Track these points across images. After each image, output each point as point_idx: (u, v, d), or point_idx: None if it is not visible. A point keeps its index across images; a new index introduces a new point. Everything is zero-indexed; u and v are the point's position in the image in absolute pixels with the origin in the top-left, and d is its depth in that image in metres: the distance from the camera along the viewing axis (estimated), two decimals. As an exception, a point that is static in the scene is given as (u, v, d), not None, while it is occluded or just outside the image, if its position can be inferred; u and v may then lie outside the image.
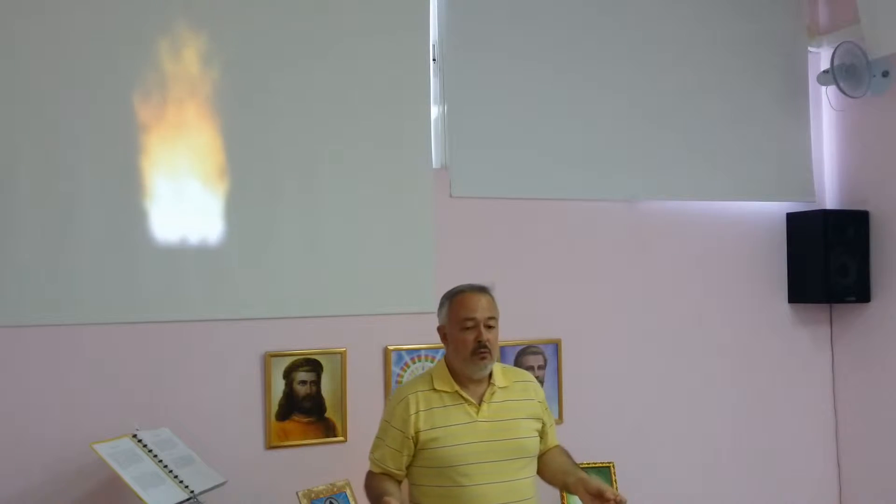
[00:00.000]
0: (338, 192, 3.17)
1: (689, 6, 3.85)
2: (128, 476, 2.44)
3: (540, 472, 2.66)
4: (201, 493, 2.61)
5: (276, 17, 3.12)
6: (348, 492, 2.96)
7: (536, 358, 3.48)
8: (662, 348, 3.76)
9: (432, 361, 3.32)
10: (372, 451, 2.62)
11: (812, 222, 3.92)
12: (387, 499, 2.32)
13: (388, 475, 2.58)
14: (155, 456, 2.62)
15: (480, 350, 2.48)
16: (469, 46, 3.42)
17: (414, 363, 3.30)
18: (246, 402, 3.06)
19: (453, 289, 2.62)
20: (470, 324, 2.50)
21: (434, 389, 2.54)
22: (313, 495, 2.87)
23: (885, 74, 3.78)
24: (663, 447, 3.72)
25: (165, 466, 2.60)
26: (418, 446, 2.51)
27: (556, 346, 3.52)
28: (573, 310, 3.57)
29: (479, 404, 2.53)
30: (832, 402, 4.11)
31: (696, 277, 3.84)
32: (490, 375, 2.57)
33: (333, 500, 2.92)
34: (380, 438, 2.60)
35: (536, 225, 3.55)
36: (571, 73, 3.59)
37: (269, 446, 3.08)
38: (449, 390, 2.53)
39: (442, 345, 2.62)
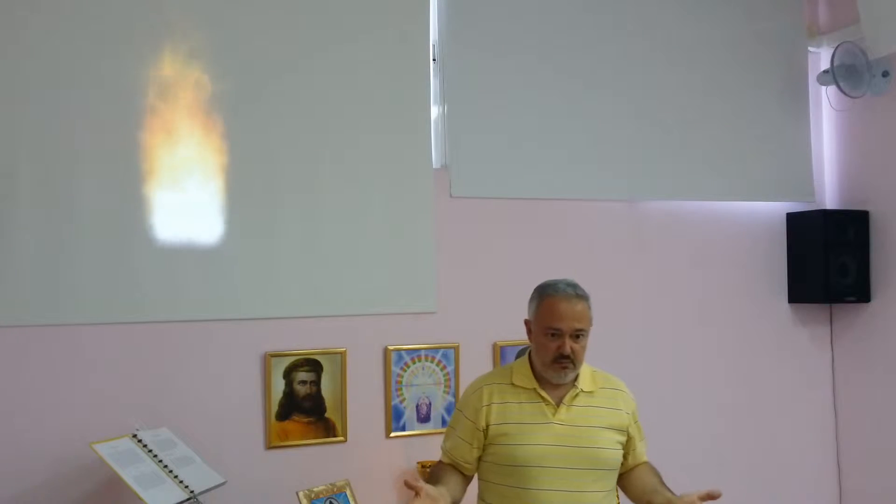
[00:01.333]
0: (338, 191, 3.17)
1: (688, 6, 3.85)
2: (128, 476, 2.44)
3: (625, 490, 2.53)
4: (201, 493, 2.61)
5: (276, 17, 3.12)
6: (348, 492, 2.96)
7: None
8: (662, 348, 3.76)
9: (432, 361, 3.33)
10: (444, 441, 2.51)
11: (812, 222, 3.92)
12: (409, 481, 2.18)
13: (455, 467, 2.47)
14: (155, 456, 2.62)
15: (561, 360, 2.35)
16: (469, 46, 3.42)
17: (414, 363, 3.30)
18: (246, 402, 3.06)
19: (547, 284, 2.47)
20: (555, 332, 2.36)
21: (512, 384, 2.43)
22: (313, 495, 2.87)
23: (885, 74, 3.78)
24: (663, 447, 3.70)
25: (165, 466, 2.60)
26: (488, 440, 2.39)
27: (556, 346, 3.51)
28: (573, 310, 3.57)
29: (558, 406, 2.39)
30: (832, 402, 4.11)
31: (696, 277, 3.84)
32: (575, 378, 2.43)
33: (333, 500, 2.92)
34: (451, 428, 2.49)
35: (536, 225, 3.54)
36: (571, 74, 3.59)
37: (269, 446, 3.08)
38: (528, 387, 2.41)
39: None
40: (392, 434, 3.26)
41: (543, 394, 2.41)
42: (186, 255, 2.96)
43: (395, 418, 3.27)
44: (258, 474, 3.03)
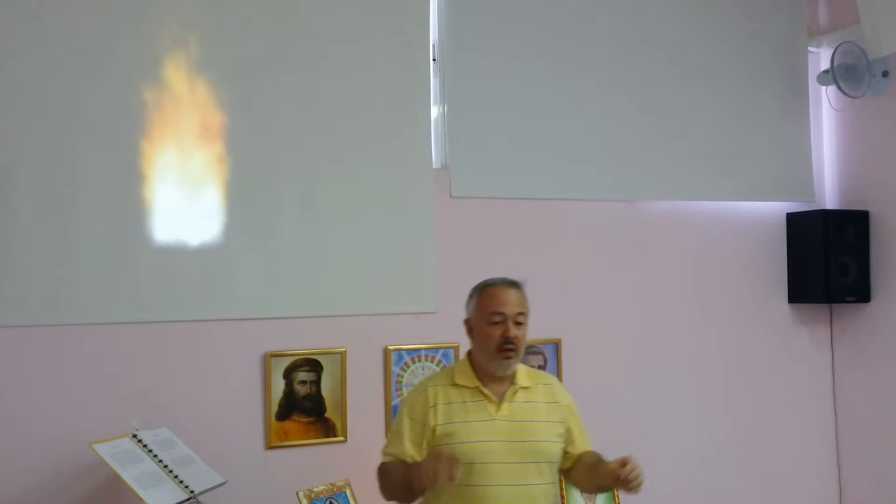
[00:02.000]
0: (338, 191, 3.17)
1: (688, 6, 3.85)
2: (128, 476, 2.44)
3: (573, 481, 2.57)
4: (201, 493, 2.61)
5: (276, 17, 3.12)
6: (348, 492, 2.96)
7: (536, 358, 3.48)
8: (662, 348, 3.76)
9: (432, 361, 3.33)
10: (387, 447, 2.50)
11: (812, 222, 3.92)
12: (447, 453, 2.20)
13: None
14: (155, 456, 2.61)
15: (506, 346, 2.38)
16: (469, 46, 3.42)
17: (414, 363, 3.30)
18: (246, 402, 3.06)
19: (483, 281, 2.52)
20: (498, 318, 2.40)
21: (455, 384, 2.45)
22: (313, 495, 2.87)
23: (885, 74, 3.78)
24: (663, 447, 3.71)
25: (165, 466, 2.60)
26: (435, 440, 2.40)
27: (556, 346, 3.52)
28: (573, 310, 3.57)
29: (500, 402, 2.43)
30: (832, 402, 4.11)
31: (696, 277, 3.84)
32: (514, 375, 2.47)
33: (333, 500, 2.92)
34: (397, 433, 2.49)
35: (536, 225, 3.54)
36: (571, 73, 3.59)
37: (269, 446, 3.08)
38: (470, 386, 2.44)
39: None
40: (392, 434, 3.26)
41: (486, 391, 2.44)
42: (186, 255, 2.96)
43: (395, 418, 3.26)
44: (258, 474, 3.03)
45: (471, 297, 2.52)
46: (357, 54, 3.22)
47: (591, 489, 2.55)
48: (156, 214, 2.93)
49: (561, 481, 2.75)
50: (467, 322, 2.53)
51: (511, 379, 2.47)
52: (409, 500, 2.43)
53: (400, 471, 2.39)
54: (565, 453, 2.51)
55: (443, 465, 2.18)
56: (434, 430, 2.41)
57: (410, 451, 2.42)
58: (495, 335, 2.40)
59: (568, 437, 2.51)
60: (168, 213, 2.94)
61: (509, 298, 2.43)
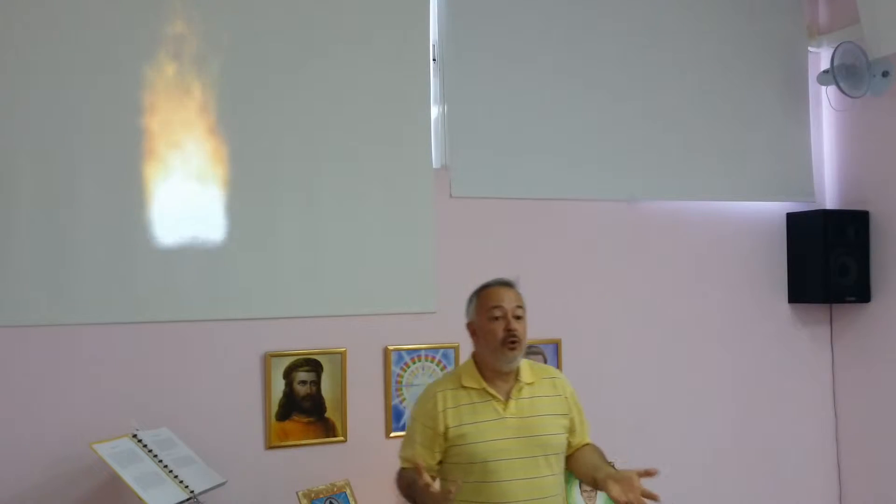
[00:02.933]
0: (338, 191, 3.17)
1: (688, 7, 3.85)
2: (128, 476, 2.44)
3: (572, 470, 2.64)
4: (201, 493, 2.61)
5: (276, 16, 3.12)
6: (348, 492, 2.96)
7: (536, 358, 3.48)
8: (662, 348, 3.76)
9: (432, 361, 3.33)
10: (402, 450, 2.58)
11: (812, 222, 3.92)
12: (424, 480, 2.27)
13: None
14: (155, 456, 2.61)
15: (510, 339, 2.47)
16: (469, 46, 3.42)
17: (414, 363, 3.30)
18: (246, 402, 3.06)
19: (480, 285, 2.63)
20: (498, 313, 2.50)
21: (462, 387, 2.54)
22: (313, 495, 2.87)
23: (885, 74, 3.78)
24: (663, 447, 3.71)
25: (165, 466, 2.60)
26: (448, 443, 2.49)
27: (557, 346, 3.52)
28: (573, 310, 3.57)
29: (507, 401, 2.51)
30: (832, 402, 4.11)
31: (696, 277, 3.84)
32: (517, 372, 2.56)
33: (333, 500, 2.92)
34: (409, 437, 2.58)
35: (536, 225, 3.54)
36: (571, 74, 3.59)
37: (269, 446, 3.08)
38: (476, 387, 2.53)
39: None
40: (392, 434, 3.26)
41: (492, 391, 2.52)
42: (187, 255, 2.96)
43: (395, 418, 3.27)
44: (258, 474, 3.03)
45: (469, 301, 2.62)
46: (357, 54, 3.22)
47: (586, 482, 2.64)
48: (156, 214, 2.93)
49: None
50: (470, 325, 2.61)
51: (515, 376, 2.55)
52: None
53: (409, 480, 2.45)
54: (568, 442, 2.61)
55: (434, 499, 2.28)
56: (445, 434, 2.49)
57: (423, 454, 2.50)
58: (498, 330, 2.49)
59: (570, 427, 2.61)
60: (168, 214, 2.94)
61: (506, 295, 2.55)
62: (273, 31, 3.11)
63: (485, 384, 2.53)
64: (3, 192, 2.75)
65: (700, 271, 3.86)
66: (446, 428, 2.48)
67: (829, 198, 4.14)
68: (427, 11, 3.37)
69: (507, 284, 2.60)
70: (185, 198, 2.97)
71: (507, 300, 2.53)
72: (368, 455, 3.20)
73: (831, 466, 4.09)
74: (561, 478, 2.58)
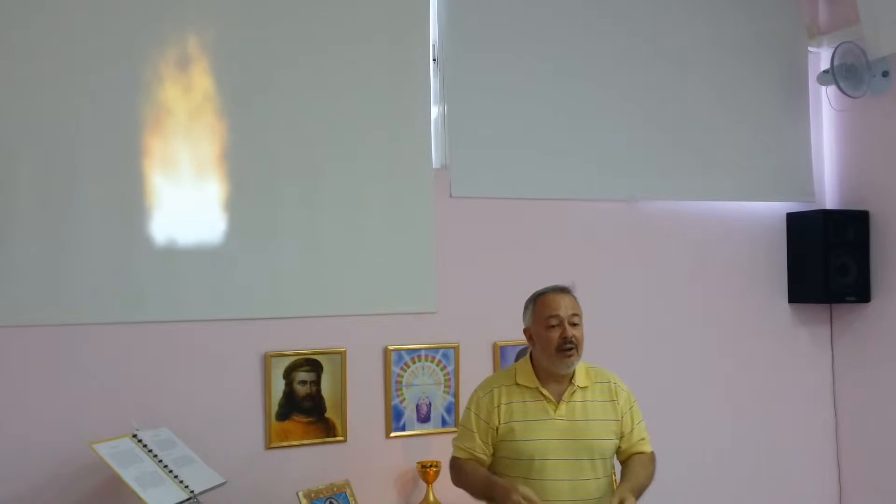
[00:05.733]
0: (338, 191, 3.17)
1: (688, 6, 3.85)
2: (128, 476, 2.44)
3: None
4: (201, 493, 2.61)
5: (276, 17, 3.12)
6: (348, 492, 2.96)
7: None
8: (662, 348, 3.76)
9: (432, 361, 3.33)
10: (459, 440, 2.67)
11: (812, 222, 3.92)
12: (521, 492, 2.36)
13: (475, 460, 2.64)
14: (155, 456, 2.62)
15: (566, 346, 2.53)
16: (469, 46, 3.42)
17: (414, 363, 3.30)
18: (246, 402, 3.06)
19: (537, 291, 2.68)
20: (554, 321, 2.56)
21: (517, 384, 2.62)
22: (313, 495, 2.87)
23: (885, 74, 3.78)
24: (663, 447, 3.70)
25: (165, 466, 2.60)
26: (499, 437, 2.59)
27: (556, 346, 3.51)
28: (573, 310, 3.57)
29: (558, 402, 2.58)
30: (832, 402, 4.11)
31: (696, 277, 3.84)
32: (572, 375, 2.62)
33: (333, 500, 2.92)
34: (466, 428, 2.66)
35: (536, 225, 3.54)
36: (571, 74, 3.59)
37: (269, 446, 3.08)
38: (530, 386, 2.60)
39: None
40: (392, 434, 3.26)
41: (545, 392, 2.60)
42: (187, 255, 2.96)
43: (395, 418, 3.27)
44: (258, 474, 3.03)
45: (526, 307, 2.69)
46: (357, 54, 3.22)
47: None
48: (156, 214, 2.93)
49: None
50: (527, 331, 2.68)
51: (570, 379, 2.62)
52: (484, 500, 2.61)
53: (481, 476, 2.56)
54: (619, 445, 2.65)
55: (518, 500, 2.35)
56: (497, 429, 2.59)
57: (481, 446, 2.61)
58: (554, 337, 2.56)
59: (622, 428, 2.65)
60: (168, 213, 2.94)
61: (562, 302, 2.61)
62: (273, 31, 3.11)
63: (538, 384, 2.60)
64: (3, 192, 2.75)
65: (700, 271, 3.85)
66: (499, 423, 2.58)
67: (829, 198, 4.14)
68: (427, 11, 3.37)
69: (563, 290, 2.65)
70: (186, 198, 2.97)
71: (564, 308, 2.58)
72: (368, 455, 3.20)
73: (831, 466, 4.09)
74: (607, 481, 2.63)
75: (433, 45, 3.40)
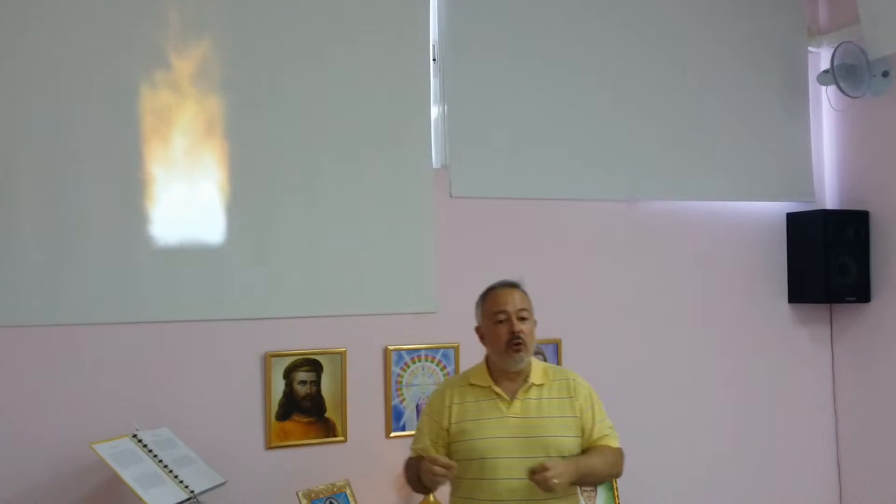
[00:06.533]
0: (338, 191, 3.17)
1: (689, 6, 3.85)
2: (128, 476, 2.44)
3: None
4: (201, 493, 2.61)
5: (276, 17, 3.12)
6: (348, 492, 2.96)
7: (537, 358, 3.46)
8: (662, 348, 3.76)
9: (432, 361, 3.33)
10: (413, 443, 2.66)
11: (812, 222, 3.92)
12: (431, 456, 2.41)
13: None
14: (155, 456, 2.62)
15: (515, 342, 2.50)
16: (469, 46, 3.42)
17: (414, 363, 3.30)
18: (246, 402, 3.06)
19: (485, 288, 2.65)
20: (502, 317, 2.53)
21: (470, 384, 2.59)
22: (313, 495, 2.87)
23: (885, 74, 3.78)
24: (663, 447, 3.72)
25: (165, 466, 2.60)
26: (450, 438, 2.55)
27: (557, 346, 3.52)
28: (573, 310, 3.57)
29: (512, 400, 2.54)
30: (832, 402, 4.11)
31: (696, 277, 3.84)
32: (527, 373, 2.58)
33: (333, 500, 2.92)
34: (420, 430, 2.66)
35: (536, 225, 3.54)
36: (571, 73, 3.59)
37: (269, 446, 3.08)
38: (483, 385, 2.57)
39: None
40: (392, 434, 3.26)
41: (498, 390, 2.56)
42: (186, 255, 2.96)
43: (395, 418, 3.27)
44: (258, 474, 3.03)
45: (476, 305, 2.66)
46: (357, 54, 3.22)
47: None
48: (156, 214, 2.93)
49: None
50: (478, 329, 2.65)
51: (525, 377, 2.58)
52: (423, 492, 2.69)
53: (412, 466, 2.57)
54: (581, 445, 2.58)
55: (429, 468, 2.38)
56: (449, 429, 2.55)
57: (430, 447, 2.58)
58: (503, 333, 2.52)
59: (583, 423, 2.58)
60: (168, 213, 2.94)
61: (510, 297, 2.57)
62: (273, 31, 3.11)
63: (491, 383, 2.57)
64: (3, 192, 2.75)
65: (700, 271, 3.85)
66: (450, 423, 2.54)
67: (829, 198, 4.14)
68: (427, 11, 3.37)
69: (511, 285, 2.62)
70: (186, 198, 2.97)
71: (511, 303, 2.55)
72: (368, 455, 3.20)
73: (831, 466, 4.09)
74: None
75: (433, 45, 3.40)
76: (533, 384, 2.57)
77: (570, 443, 2.54)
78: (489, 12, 3.46)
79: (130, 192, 2.90)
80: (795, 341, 4.05)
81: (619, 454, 2.63)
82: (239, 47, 3.07)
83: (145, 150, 2.92)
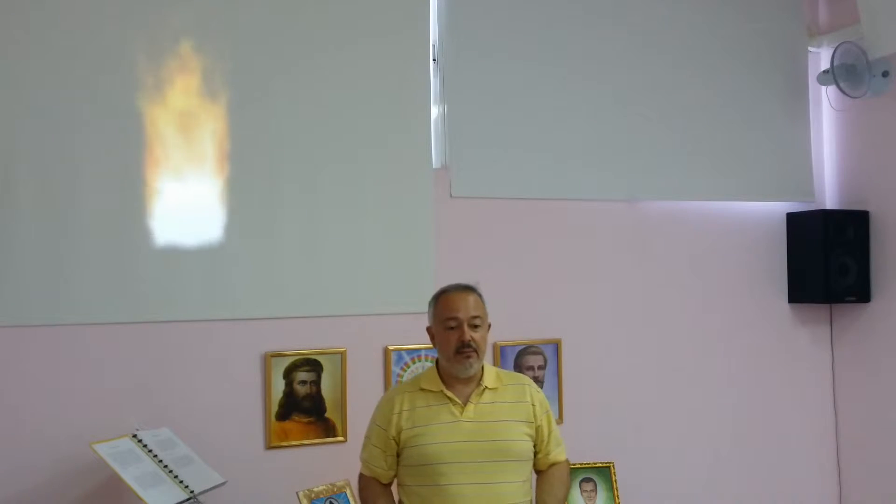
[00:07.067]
0: (338, 191, 3.17)
1: (689, 6, 3.85)
2: (128, 476, 2.44)
3: (536, 489, 2.61)
4: (201, 493, 2.61)
5: (276, 17, 3.12)
6: (348, 492, 2.96)
7: (536, 358, 3.48)
8: (662, 348, 3.76)
9: (432, 361, 3.32)
10: (362, 451, 2.66)
11: (812, 222, 3.92)
12: None
13: (378, 482, 2.61)
14: (155, 456, 2.62)
15: (464, 349, 2.47)
16: (469, 46, 3.42)
17: (414, 363, 3.30)
18: (246, 402, 3.06)
19: (439, 289, 2.62)
20: (453, 323, 2.50)
21: (421, 389, 2.55)
22: (313, 495, 2.87)
23: (885, 74, 3.78)
24: (663, 447, 3.72)
25: (165, 466, 2.60)
26: (401, 445, 2.52)
27: (556, 346, 3.52)
28: (573, 310, 3.57)
29: (465, 404, 2.51)
30: (832, 402, 4.11)
31: (696, 277, 3.84)
32: (480, 377, 2.56)
33: (333, 500, 2.92)
34: (367, 438, 2.64)
35: (536, 225, 3.54)
36: (571, 73, 3.59)
37: (269, 446, 3.08)
38: (435, 390, 2.53)
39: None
40: (392, 434, 3.26)
41: (450, 394, 2.52)
42: (186, 255, 2.96)
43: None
44: (258, 474, 3.03)
45: (429, 305, 2.62)
46: (357, 54, 3.22)
47: None
48: (156, 214, 2.92)
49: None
50: (429, 330, 2.62)
51: (477, 381, 2.55)
52: None
53: (372, 493, 2.58)
54: (536, 453, 2.58)
55: None
56: (398, 437, 2.53)
57: (379, 456, 2.57)
58: (453, 340, 2.49)
59: (538, 436, 2.57)
60: (168, 213, 2.94)
61: (463, 303, 2.52)
62: (272, 31, 3.11)
63: (443, 387, 2.53)
64: (4, 192, 2.75)
65: (700, 271, 3.85)
66: (399, 430, 2.51)
67: (828, 198, 4.14)
68: (427, 11, 3.37)
69: (466, 289, 2.57)
70: (186, 198, 2.97)
71: (464, 309, 2.50)
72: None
73: (831, 466, 4.09)
74: (525, 486, 2.53)
75: (433, 45, 3.40)
76: (486, 388, 2.54)
77: (524, 446, 2.52)
78: (489, 12, 3.46)
79: (130, 192, 2.90)
80: (795, 341, 4.05)
81: (568, 469, 2.65)
82: (239, 47, 3.07)
83: (145, 150, 2.92)
